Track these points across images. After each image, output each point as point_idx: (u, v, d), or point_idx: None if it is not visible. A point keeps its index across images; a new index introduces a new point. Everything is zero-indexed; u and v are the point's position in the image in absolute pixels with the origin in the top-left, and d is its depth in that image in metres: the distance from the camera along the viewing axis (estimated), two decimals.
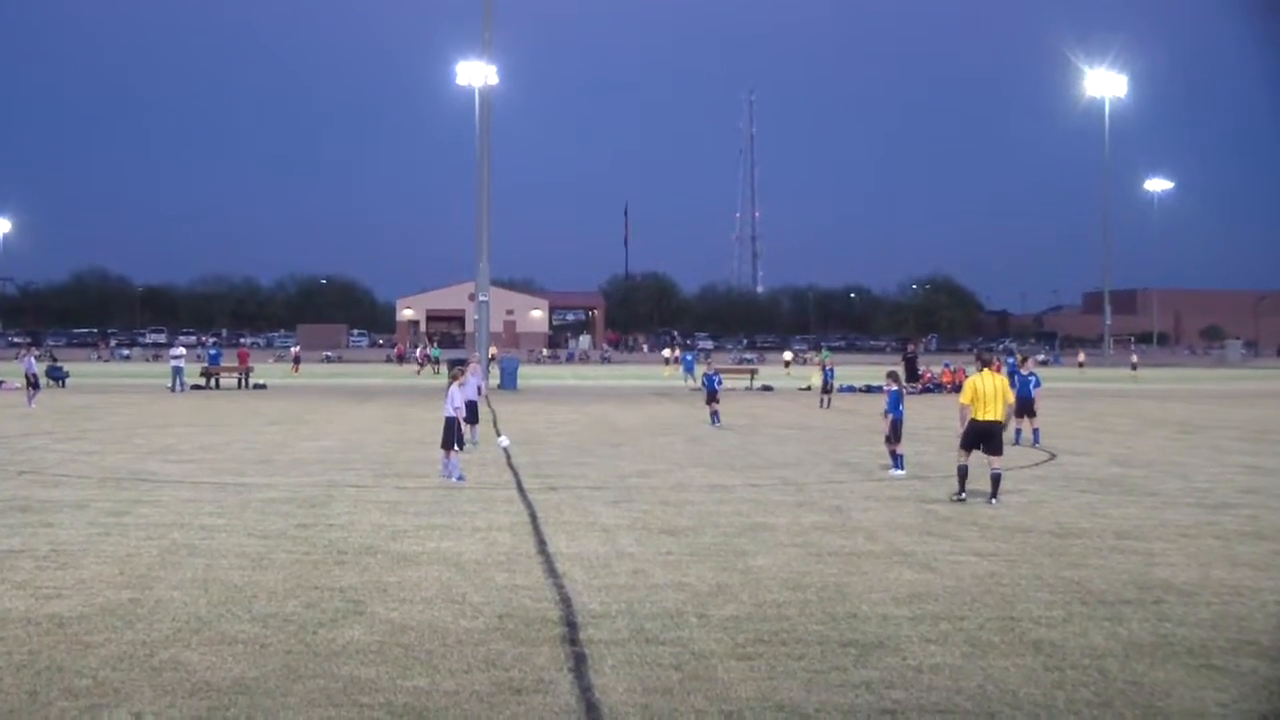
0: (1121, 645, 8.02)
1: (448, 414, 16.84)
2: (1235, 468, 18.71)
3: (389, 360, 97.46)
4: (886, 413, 18.48)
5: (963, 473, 14.87)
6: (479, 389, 21.62)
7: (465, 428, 19.02)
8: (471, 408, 20.41)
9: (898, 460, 18.02)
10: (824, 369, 38.45)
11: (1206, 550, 11.64)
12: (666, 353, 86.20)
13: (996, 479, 14.68)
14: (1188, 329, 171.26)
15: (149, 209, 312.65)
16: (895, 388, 18.61)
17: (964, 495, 14.69)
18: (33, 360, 35.84)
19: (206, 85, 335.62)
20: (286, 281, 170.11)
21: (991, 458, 14.62)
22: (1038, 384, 24.15)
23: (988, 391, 14.52)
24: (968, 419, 14.64)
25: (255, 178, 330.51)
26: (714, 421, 27.68)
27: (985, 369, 14.81)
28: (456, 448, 17.03)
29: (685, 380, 53.12)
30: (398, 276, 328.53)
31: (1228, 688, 7.10)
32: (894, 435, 18.18)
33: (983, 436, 14.60)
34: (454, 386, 17.19)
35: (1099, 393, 48.79)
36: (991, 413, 14.53)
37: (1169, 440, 24.75)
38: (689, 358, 59.46)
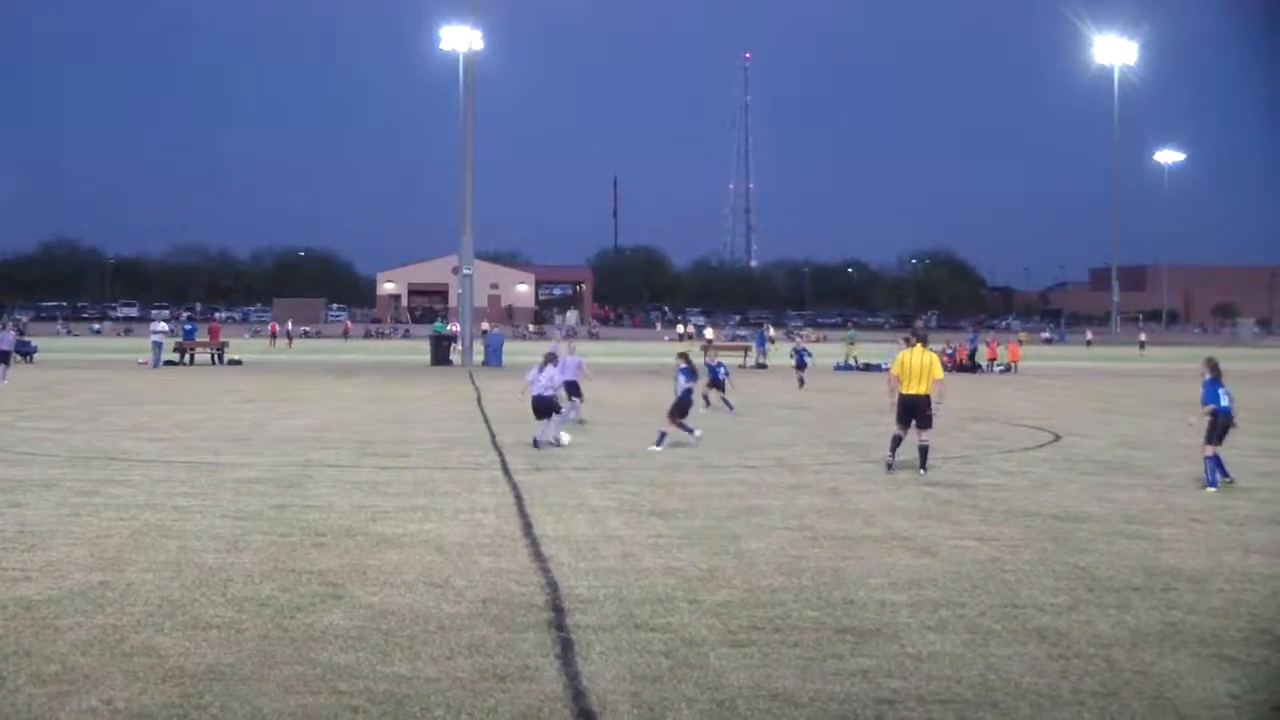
0: (1129, 634, 7.87)
1: (535, 392, 18.31)
2: (1247, 450, 18.33)
3: (368, 335, 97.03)
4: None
5: (895, 441, 15.77)
6: (578, 367, 22.63)
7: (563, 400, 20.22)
8: (572, 384, 21.91)
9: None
10: (796, 350, 38.07)
11: (1217, 536, 11.43)
12: (681, 329, 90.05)
13: (924, 450, 15.61)
14: (1199, 306, 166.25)
15: (120, 178, 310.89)
16: None
17: (892, 462, 15.66)
18: (10, 335, 35.62)
19: (181, 50, 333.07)
20: (263, 254, 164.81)
21: (921, 431, 15.55)
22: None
23: (914, 367, 15.51)
24: (896, 391, 15.65)
25: (232, 145, 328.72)
26: (705, 406, 27.24)
27: (916, 345, 15.77)
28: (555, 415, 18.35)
29: (756, 355, 51.17)
30: (378, 249, 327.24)
31: (1239, 679, 6.98)
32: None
33: (910, 410, 15.54)
34: (534, 371, 18.53)
35: (1106, 372, 48.63)
36: (916, 387, 15.48)
37: (1178, 421, 24.28)
38: (763, 334, 58.32)
